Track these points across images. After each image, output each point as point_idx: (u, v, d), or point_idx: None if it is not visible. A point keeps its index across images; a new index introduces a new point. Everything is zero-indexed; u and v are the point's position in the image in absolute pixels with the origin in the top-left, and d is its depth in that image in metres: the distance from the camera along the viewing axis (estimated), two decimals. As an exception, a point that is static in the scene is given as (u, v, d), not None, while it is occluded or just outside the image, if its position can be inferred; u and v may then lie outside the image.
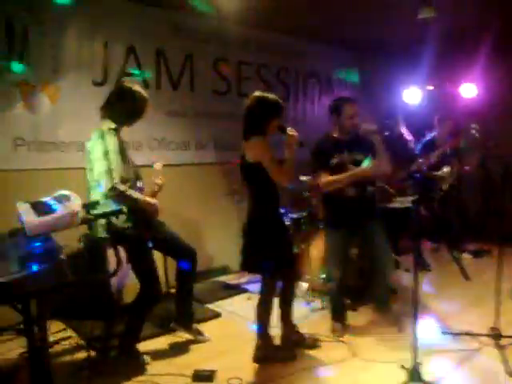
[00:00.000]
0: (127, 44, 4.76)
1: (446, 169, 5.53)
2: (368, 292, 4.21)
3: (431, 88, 6.86)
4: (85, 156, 3.32)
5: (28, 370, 2.47)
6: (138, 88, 3.33)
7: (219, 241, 5.41)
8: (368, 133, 3.44)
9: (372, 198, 3.78)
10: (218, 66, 5.53)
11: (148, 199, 3.24)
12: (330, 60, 6.72)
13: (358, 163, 3.59)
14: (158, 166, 3.64)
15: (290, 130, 3.15)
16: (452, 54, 6.21)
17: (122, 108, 3.25)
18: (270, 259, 3.16)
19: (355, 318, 4.00)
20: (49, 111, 4.31)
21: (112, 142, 3.09)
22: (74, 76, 4.42)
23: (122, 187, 3.02)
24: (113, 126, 3.19)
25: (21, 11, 4.07)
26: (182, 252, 3.58)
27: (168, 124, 5.08)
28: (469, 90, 6.17)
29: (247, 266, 3.32)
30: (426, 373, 2.89)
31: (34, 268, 2.00)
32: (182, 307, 3.68)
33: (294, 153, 3.14)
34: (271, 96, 3.22)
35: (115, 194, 3.00)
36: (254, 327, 3.41)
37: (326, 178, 3.59)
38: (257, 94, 3.23)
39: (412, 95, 6.40)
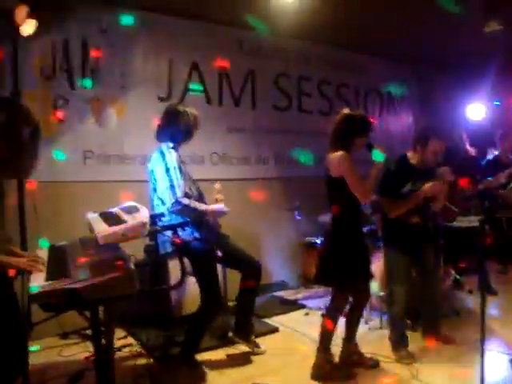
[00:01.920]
0: (191, 60, 4.91)
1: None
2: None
3: (497, 104, 6.66)
4: (148, 175, 3.45)
5: (94, 374, 2.55)
6: (183, 107, 3.44)
7: (278, 256, 5.41)
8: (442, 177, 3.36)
9: (435, 222, 3.71)
10: (279, 81, 5.59)
11: (213, 207, 3.34)
12: (391, 76, 6.65)
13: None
14: (217, 185, 3.71)
15: (378, 149, 3.19)
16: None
17: (173, 129, 3.36)
18: (347, 274, 3.15)
19: (414, 338, 3.87)
20: (116, 125, 4.50)
21: (172, 159, 3.21)
22: (140, 92, 4.62)
23: (185, 201, 3.12)
24: (171, 145, 3.32)
25: (95, 33, 4.32)
26: (247, 264, 3.61)
27: (229, 139, 5.18)
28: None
29: (322, 278, 3.33)
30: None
31: (104, 276, 2.08)
32: (243, 319, 3.71)
33: (378, 171, 3.20)
34: (360, 113, 3.31)
35: (179, 209, 3.10)
36: (315, 343, 3.38)
37: (391, 202, 3.55)
38: (346, 111, 3.29)
39: (475, 111, 6.21)
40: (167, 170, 3.17)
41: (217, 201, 3.59)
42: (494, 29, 4.72)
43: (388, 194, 3.58)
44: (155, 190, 3.31)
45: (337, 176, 3.13)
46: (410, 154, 3.67)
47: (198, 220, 3.22)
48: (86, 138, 4.35)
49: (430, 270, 3.72)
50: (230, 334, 3.80)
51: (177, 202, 3.09)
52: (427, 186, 3.48)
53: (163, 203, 3.21)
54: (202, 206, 3.24)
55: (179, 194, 3.11)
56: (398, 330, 3.66)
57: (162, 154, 3.25)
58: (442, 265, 3.90)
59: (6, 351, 2.16)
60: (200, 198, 3.39)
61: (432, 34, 5.22)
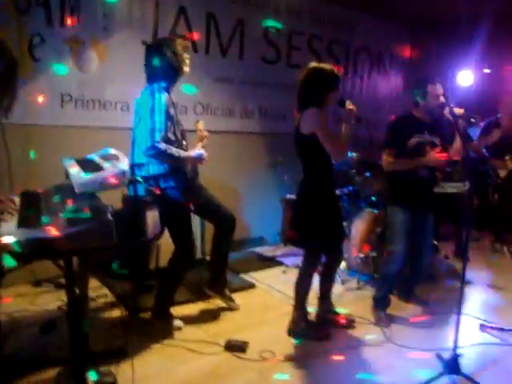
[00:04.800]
0: (178, 4, 4.66)
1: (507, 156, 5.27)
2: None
3: (487, 71, 6.57)
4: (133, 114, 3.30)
5: (66, 323, 2.50)
6: (177, 42, 3.25)
7: (257, 212, 5.35)
8: (454, 114, 3.20)
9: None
10: (269, 33, 5.39)
11: (192, 153, 3.22)
12: (382, 35, 6.46)
13: (435, 146, 3.48)
14: (200, 124, 3.56)
15: (349, 104, 3.07)
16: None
17: (159, 66, 3.15)
18: (318, 233, 3.11)
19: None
20: (96, 69, 4.28)
21: (161, 100, 3.03)
22: (123, 35, 4.36)
23: (162, 146, 2.98)
24: (163, 84, 3.14)
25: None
26: (221, 217, 3.54)
27: (214, 90, 5.00)
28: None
29: (293, 238, 3.30)
30: (464, 365, 2.79)
31: (81, 226, 1.98)
32: (216, 272, 3.67)
33: (351, 127, 3.06)
34: (329, 67, 3.12)
35: (154, 154, 2.98)
36: (291, 301, 3.38)
37: (393, 159, 3.46)
38: (314, 64, 3.13)
39: (465, 77, 6.12)
40: (152, 110, 3.00)
41: (202, 137, 3.48)
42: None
43: (394, 147, 3.48)
44: (137, 127, 3.18)
45: (308, 133, 3.01)
46: (413, 110, 3.57)
47: (175, 168, 3.11)
48: (64, 81, 4.11)
49: (425, 236, 3.70)
50: (205, 289, 3.75)
51: (152, 146, 2.94)
52: (433, 156, 3.42)
53: (143, 144, 3.07)
54: (180, 153, 3.10)
55: (157, 138, 2.95)
56: (386, 290, 3.68)
57: (152, 93, 3.06)
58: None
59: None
60: (181, 145, 3.26)
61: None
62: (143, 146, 3.02)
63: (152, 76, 3.21)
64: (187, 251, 3.34)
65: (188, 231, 3.33)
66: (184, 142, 3.30)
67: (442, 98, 3.41)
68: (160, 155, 3.00)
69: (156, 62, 3.15)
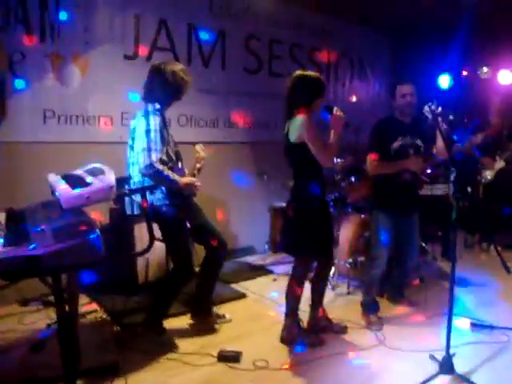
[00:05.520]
0: (158, 17, 4.67)
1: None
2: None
3: (465, 73, 6.67)
4: (128, 134, 3.32)
5: (56, 342, 2.46)
6: (173, 66, 3.28)
7: (245, 221, 5.36)
8: (433, 112, 3.22)
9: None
10: (250, 44, 5.42)
11: (184, 180, 3.19)
12: (362, 41, 6.57)
13: (418, 148, 3.54)
14: (198, 147, 3.57)
15: (337, 110, 3.09)
16: (489, 39, 5.98)
17: (161, 90, 3.20)
18: (309, 240, 3.12)
19: (381, 304, 3.90)
20: (78, 84, 4.26)
21: (155, 122, 3.08)
22: (104, 49, 4.36)
23: (159, 166, 3.00)
24: (158, 106, 3.17)
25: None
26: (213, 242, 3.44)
27: (198, 101, 5.00)
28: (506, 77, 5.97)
29: (285, 246, 3.30)
30: (457, 365, 2.81)
31: (69, 242, 1.96)
32: (201, 298, 3.56)
33: (339, 133, 3.08)
34: (314, 74, 3.17)
35: (152, 173, 2.99)
36: (282, 309, 3.37)
37: (377, 162, 3.48)
38: (299, 72, 3.17)
39: (446, 81, 6.21)
40: (147, 131, 3.04)
41: (197, 169, 3.48)
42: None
43: (378, 151, 3.50)
44: (132, 148, 3.20)
45: (298, 141, 3.03)
46: (395, 113, 3.62)
47: (170, 188, 3.13)
48: (45, 97, 4.08)
49: (411, 238, 3.73)
50: (190, 321, 3.61)
51: (150, 165, 2.98)
52: (413, 162, 3.46)
53: (137, 163, 3.09)
54: (174, 176, 3.10)
55: (154, 158, 2.99)
56: (372, 295, 3.70)
57: (147, 114, 3.11)
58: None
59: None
60: (176, 164, 3.27)
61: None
62: (140, 166, 3.03)
63: (148, 96, 3.24)
64: (184, 267, 3.31)
65: (185, 248, 3.30)
66: (179, 163, 3.32)
67: (409, 98, 3.48)
68: (156, 175, 3.01)
69: (157, 86, 3.21)
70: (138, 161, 3.07)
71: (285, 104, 3.17)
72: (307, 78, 3.12)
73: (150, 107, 3.16)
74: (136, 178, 3.19)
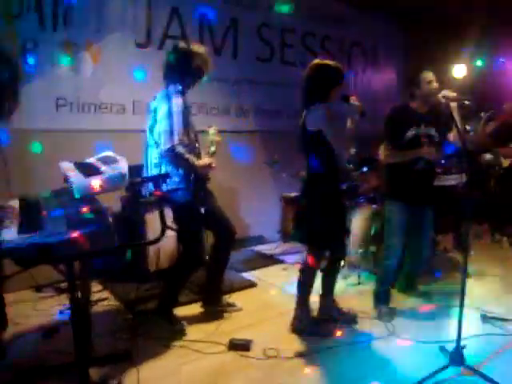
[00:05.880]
0: (170, 5, 4.66)
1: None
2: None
3: (481, 63, 6.58)
4: (147, 116, 3.30)
5: (69, 328, 2.49)
6: (195, 46, 3.26)
7: (256, 210, 5.35)
8: (448, 100, 3.17)
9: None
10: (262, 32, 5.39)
11: (202, 162, 3.21)
12: (376, 29, 6.49)
13: (432, 138, 3.49)
14: (212, 130, 3.52)
15: (354, 99, 3.06)
16: (504, 29, 5.88)
17: (184, 71, 3.18)
18: (323, 230, 3.11)
19: (392, 295, 3.90)
20: (91, 72, 4.26)
21: (177, 104, 3.06)
22: (117, 37, 4.35)
23: (181, 149, 3.01)
24: (179, 87, 3.16)
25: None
26: (223, 229, 3.46)
27: (209, 89, 4.98)
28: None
29: (298, 235, 3.30)
30: (468, 357, 2.80)
31: (82, 230, 1.98)
32: (211, 285, 3.60)
33: (356, 122, 3.07)
34: (332, 63, 3.13)
35: (172, 155, 3.00)
36: (293, 298, 3.38)
37: (391, 150, 3.47)
38: (317, 61, 3.15)
39: (459, 70, 6.13)
40: (170, 113, 3.03)
41: (213, 142, 3.46)
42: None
43: (392, 140, 3.48)
44: (152, 130, 3.19)
45: (314, 130, 3.01)
46: (409, 103, 3.57)
47: (188, 172, 3.12)
48: (58, 85, 4.10)
49: (425, 230, 3.70)
50: (201, 305, 3.67)
51: (171, 148, 2.98)
52: (426, 150, 3.42)
53: (157, 146, 3.09)
54: (193, 160, 3.12)
55: (176, 141, 2.99)
56: (386, 284, 3.69)
57: (169, 96, 3.09)
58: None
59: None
60: (194, 147, 3.27)
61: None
62: (161, 148, 3.04)
63: (170, 77, 3.22)
64: (194, 255, 3.32)
65: (196, 235, 3.31)
66: (197, 145, 3.32)
67: (435, 84, 3.43)
68: (177, 158, 3.04)
69: (179, 63, 3.18)
70: (159, 142, 3.07)
71: (302, 92, 3.14)
72: (326, 67, 3.09)
73: (172, 88, 3.14)
74: (155, 160, 3.18)
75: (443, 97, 3.08)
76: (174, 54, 3.24)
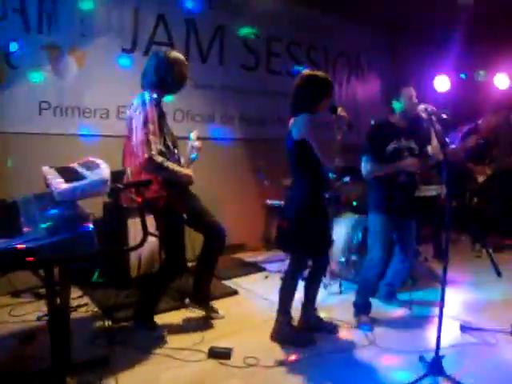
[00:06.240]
0: (157, 11, 4.67)
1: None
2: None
3: (463, 77, 6.70)
4: (126, 122, 3.27)
5: (47, 335, 2.45)
6: (175, 54, 3.25)
7: (238, 217, 5.34)
8: (429, 112, 3.21)
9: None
10: (248, 40, 5.42)
11: (185, 171, 3.22)
12: (360, 40, 6.56)
13: (412, 151, 3.55)
14: (194, 135, 3.54)
15: (341, 111, 3.09)
16: (486, 42, 6.01)
17: (163, 78, 3.17)
18: (308, 238, 3.12)
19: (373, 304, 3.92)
20: (75, 76, 4.24)
21: (153, 113, 3.04)
22: (102, 41, 4.34)
23: (159, 159, 2.99)
24: (155, 95, 3.13)
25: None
26: (212, 229, 3.47)
27: (194, 96, 5.00)
28: (502, 81, 6.00)
29: (282, 242, 3.29)
30: (447, 366, 2.82)
31: (62, 235, 1.96)
32: (201, 285, 3.61)
33: (342, 134, 3.10)
34: (322, 74, 3.17)
35: (152, 166, 2.98)
36: (274, 306, 3.38)
37: (372, 165, 3.51)
38: (307, 72, 3.20)
39: (441, 82, 6.23)
40: (145, 123, 2.99)
41: (193, 149, 3.46)
42: (466, 2, 4.70)
43: (372, 154, 3.52)
44: (129, 138, 3.15)
45: (300, 139, 3.04)
46: (389, 117, 3.63)
47: (169, 179, 3.11)
48: (42, 88, 4.07)
49: (407, 240, 3.75)
50: (187, 300, 3.70)
51: (150, 159, 2.96)
52: (409, 162, 3.48)
53: (136, 155, 3.06)
54: (175, 168, 3.11)
55: (154, 151, 2.97)
56: (367, 295, 3.71)
57: (144, 103, 3.04)
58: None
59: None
60: (174, 151, 3.26)
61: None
62: (139, 158, 3.01)
63: (147, 84, 3.21)
64: (176, 261, 3.30)
65: (178, 241, 3.28)
66: (176, 151, 3.30)
67: (414, 99, 3.49)
68: (156, 168, 3.01)
69: (157, 70, 3.17)
70: (137, 153, 3.03)
71: (290, 101, 3.17)
72: (316, 78, 3.13)
73: (147, 95, 3.09)
74: (134, 168, 3.14)
75: (422, 111, 3.14)
76: (152, 61, 3.23)
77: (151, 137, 2.98)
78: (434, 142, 3.45)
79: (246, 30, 5.31)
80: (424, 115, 3.14)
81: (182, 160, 3.39)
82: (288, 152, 3.19)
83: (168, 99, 3.46)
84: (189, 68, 3.33)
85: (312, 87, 3.10)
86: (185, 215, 3.30)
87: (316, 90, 3.10)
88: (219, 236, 3.50)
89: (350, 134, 3.14)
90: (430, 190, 4.94)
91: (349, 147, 3.53)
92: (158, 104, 3.15)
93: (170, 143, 3.22)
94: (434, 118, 3.11)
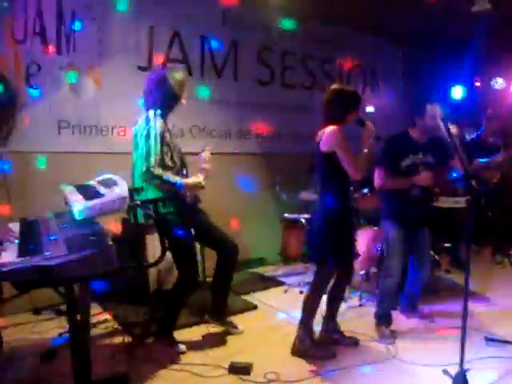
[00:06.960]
0: (172, 29, 4.73)
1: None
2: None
3: (478, 84, 6.65)
4: (131, 140, 3.32)
5: (68, 351, 2.47)
6: (172, 73, 3.30)
7: (256, 232, 5.34)
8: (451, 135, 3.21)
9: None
10: (262, 55, 5.46)
11: (191, 180, 3.22)
12: (375, 52, 6.57)
13: (429, 166, 3.53)
14: (206, 153, 3.55)
15: (369, 124, 3.13)
16: (502, 50, 5.96)
17: (159, 95, 3.21)
18: (335, 250, 3.14)
19: (393, 316, 3.86)
20: (93, 95, 4.31)
21: (156, 126, 3.08)
22: (119, 60, 4.41)
23: (158, 171, 3.00)
24: (159, 111, 3.17)
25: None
26: (223, 245, 3.47)
27: (210, 112, 5.04)
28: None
29: (310, 255, 3.34)
30: (471, 380, 2.76)
31: (82, 252, 1.98)
32: (218, 300, 3.60)
33: (370, 146, 3.13)
34: (350, 89, 3.27)
35: (151, 178, 2.99)
36: (294, 320, 3.35)
37: (386, 178, 3.52)
38: (335, 86, 3.26)
39: (457, 91, 6.20)
40: (147, 136, 3.04)
41: (203, 170, 3.41)
42: (482, 8, 4.66)
43: (387, 166, 3.52)
44: (135, 158, 3.20)
45: (328, 151, 3.08)
46: (410, 130, 3.62)
47: (172, 193, 3.11)
48: (60, 108, 4.14)
49: (423, 250, 3.72)
50: (206, 316, 3.67)
51: (148, 171, 2.97)
52: (422, 177, 3.47)
53: (138, 169, 3.10)
54: (175, 179, 3.11)
55: (152, 163, 2.98)
56: (387, 306, 3.66)
57: (147, 119, 3.12)
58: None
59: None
60: (181, 170, 3.28)
61: (419, 9, 5.10)
62: (139, 171, 3.04)
63: (149, 103, 3.25)
64: (188, 278, 3.32)
65: (189, 257, 3.31)
66: (184, 169, 3.32)
67: (439, 120, 3.46)
68: (155, 180, 3.02)
69: (157, 89, 3.22)
70: (138, 166, 3.07)
71: (321, 115, 3.24)
72: (344, 92, 3.20)
73: (151, 112, 3.15)
74: (137, 184, 3.18)
75: (447, 133, 3.11)
76: (152, 79, 3.28)
77: (151, 150, 3.00)
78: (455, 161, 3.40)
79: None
80: (448, 137, 3.12)
81: (192, 176, 3.38)
82: (316, 163, 3.23)
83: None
84: (187, 85, 3.37)
85: (339, 100, 3.16)
86: (192, 230, 3.30)
87: (343, 103, 3.16)
88: (231, 251, 3.50)
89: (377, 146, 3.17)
90: (450, 202, 4.89)
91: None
92: (162, 119, 3.18)
93: (177, 160, 3.25)
94: (457, 140, 3.09)
